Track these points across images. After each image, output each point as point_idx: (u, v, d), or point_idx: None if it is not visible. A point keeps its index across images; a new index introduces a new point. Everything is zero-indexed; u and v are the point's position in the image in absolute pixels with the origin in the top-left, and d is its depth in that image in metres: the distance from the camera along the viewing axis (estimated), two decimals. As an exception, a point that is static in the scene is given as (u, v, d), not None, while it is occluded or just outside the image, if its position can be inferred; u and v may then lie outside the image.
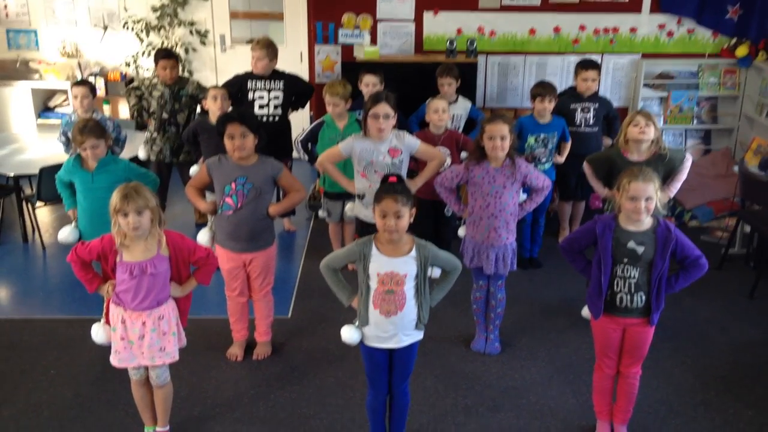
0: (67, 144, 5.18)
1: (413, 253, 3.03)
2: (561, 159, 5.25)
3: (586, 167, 4.41)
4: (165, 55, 5.56)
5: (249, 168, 3.82)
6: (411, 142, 4.20)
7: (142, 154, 5.62)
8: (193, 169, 5.08)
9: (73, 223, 4.15)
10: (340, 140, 4.68)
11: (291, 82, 5.61)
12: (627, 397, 3.42)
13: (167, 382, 3.34)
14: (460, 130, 5.40)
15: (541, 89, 5.03)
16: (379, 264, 3.02)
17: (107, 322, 3.23)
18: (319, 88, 6.45)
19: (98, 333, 3.24)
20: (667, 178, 4.15)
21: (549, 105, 5.04)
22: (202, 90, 5.56)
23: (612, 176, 4.16)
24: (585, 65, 5.45)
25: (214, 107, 4.97)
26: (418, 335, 3.16)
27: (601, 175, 4.29)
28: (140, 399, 3.38)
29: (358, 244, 3.08)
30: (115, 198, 3.00)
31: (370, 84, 5.24)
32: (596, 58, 6.42)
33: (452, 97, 5.36)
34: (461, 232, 4.19)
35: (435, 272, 3.56)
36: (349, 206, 4.63)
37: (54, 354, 4.19)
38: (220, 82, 5.90)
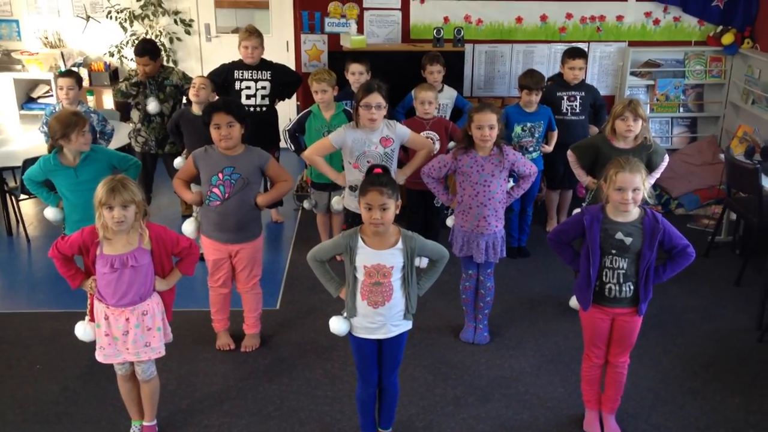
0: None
1: (400, 244, 3.01)
2: (549, 148, 5.25)
3: (569, 155, 4.42)
4: (139, 53, 5.43)
5: (236, 158, 3.79)
6: (402, 132, 4.20)
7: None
8: (178, 161, 5.03)
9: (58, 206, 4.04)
10: (326, 131, 4.67)
11: (279, 72, 5.57)
12: (615, 386, 3.43)
13: (153, 376, 3.31)
14: (446, 117, 5.39)
15: (531, 83, 4.99)
16: (365, 256, 3.00)
17: (92, 319, 3.19)
18: (305, 78, 6.41)
19: (83, 331, 3.20)
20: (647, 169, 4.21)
21: (536, 97, 5.04)
22: (187, 80, 5.50)
23: (597, 163, 4.18)
24: (572, 54, 5.44)
25: (195, 97, 4.93)
26: (407, 325, 3.16)
27: (586, 163, 4.31)
28: (126, 393, 3.35)
29: (344, 236, 3.06)
30: (100, 191, 2.95)
31: (356, 72, 5.21)
32: (583, 46, 6.40)
33: (438, 86, 5.34)
34: (449, 221, 4.18)
35: (423, 262, 3.56)
36: (335, 199, 4.61)
37: (40, 348, 4.15)
38: (206, 72, 5.84)
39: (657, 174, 4.30)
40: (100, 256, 3.04)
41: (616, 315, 3.25)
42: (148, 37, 7.01)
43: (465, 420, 3.60)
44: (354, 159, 4.18)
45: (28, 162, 5.11)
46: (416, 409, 3.67)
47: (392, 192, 2.94)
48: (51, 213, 4.07)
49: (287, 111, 6.71)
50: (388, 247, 3.00)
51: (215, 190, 3.79)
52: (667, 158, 4.30)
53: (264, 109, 5.51)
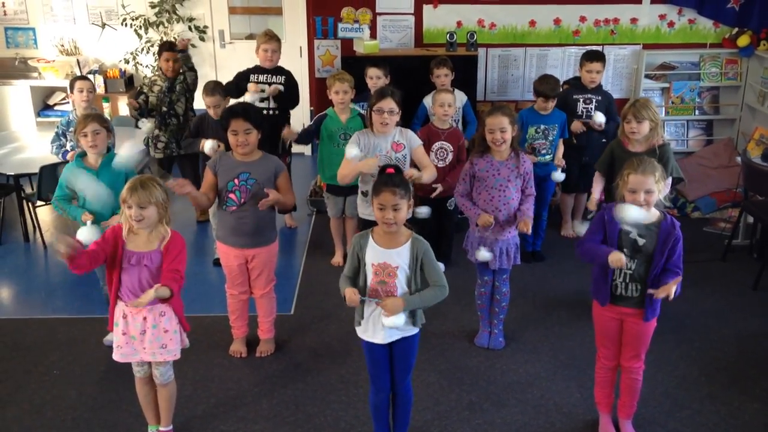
0: (60, 147, 5.09)
1: (408, 245, 3.02)
2: (563, 162, 5.15)
3: (596, 174, 4.40)
4: (169, 47, 5.62)
5: (252, 164, 3.81)
6: (413, 140, 4.24)
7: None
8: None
9: (89, 222, 3.84)
10: (342, 133, 4.73)
11: (291, 78, 5.59)
12: (630, 392, 3.40)
13: (171, 380, 3.33)
14: (459, 122, 5.41)
15: (548, 89, 4.97)
16: (373, 253, 3.03)
17: (111, 327, 3.24)
18: (319, 83, 6.44)
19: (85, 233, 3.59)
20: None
21: (552, 104, 5.03)
22: (190, 68, 5.65)
23: (613, 168, 4.16)
24: (590, 57, 5.40)
25: (215, 116, 4.97)
26: (411, 330, 3.13)
27: (603, 170, 4.31)
28: (143, 396, 3.38)
29: (356, 237, 3.12)
30: (125, 188, 3.07)
31: (374, 77, 5.23)
32: (597, 49, 6.39)
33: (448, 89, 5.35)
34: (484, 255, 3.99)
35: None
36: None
37: (57, 354, 4.18)
38: (220, 78, 5.89)
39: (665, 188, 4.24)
40: (125, 249, 3.12)
41: (625, 315, 3.24)
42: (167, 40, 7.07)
43: (480, 426, 3.58)
44: None
45: (45, 169, 5.17)
46: (431, 414, 3.66)
47: (405, 192, 2.97)
48: (85, 234, 3.66)
49: (300, 117, 6.73)
50: (396, 246, 3.02)
51: (231, 195, 3.81)
52: (670, 180, 4.06)
53: (277, 112, 5.53)
